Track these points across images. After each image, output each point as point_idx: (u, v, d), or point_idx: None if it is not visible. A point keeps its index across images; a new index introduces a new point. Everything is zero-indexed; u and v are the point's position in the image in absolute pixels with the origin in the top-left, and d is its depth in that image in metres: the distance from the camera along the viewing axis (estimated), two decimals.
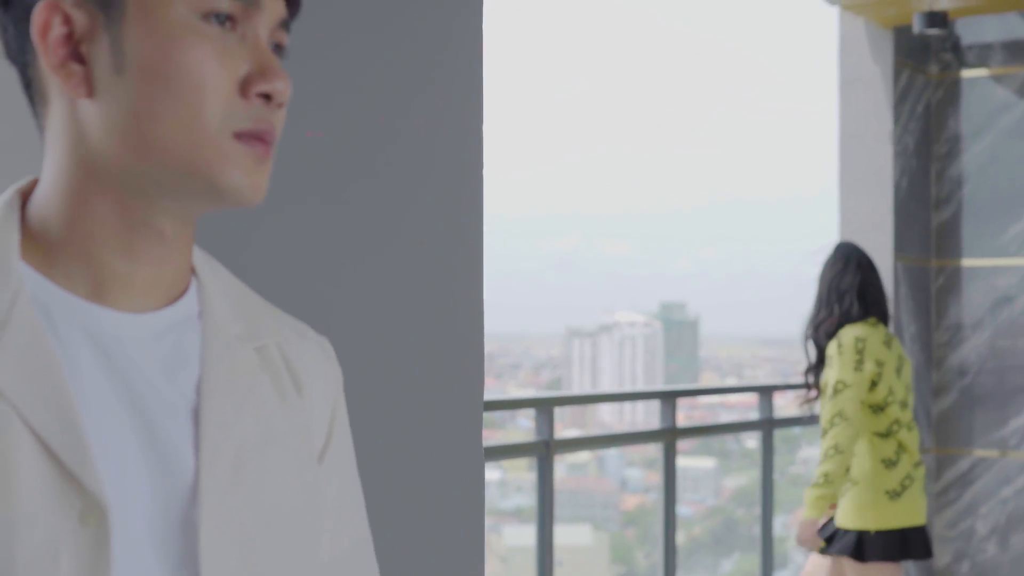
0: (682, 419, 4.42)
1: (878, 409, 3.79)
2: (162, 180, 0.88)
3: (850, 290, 3.84)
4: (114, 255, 0.90)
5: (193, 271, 0.98)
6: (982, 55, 5.41)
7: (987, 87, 5.40)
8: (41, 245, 0.91)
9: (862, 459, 3.79)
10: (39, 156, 0.94)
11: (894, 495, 3.78)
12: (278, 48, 0.93)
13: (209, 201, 0.90)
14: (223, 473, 0.90)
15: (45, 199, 0.92)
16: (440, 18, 1.61)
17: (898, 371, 3.84)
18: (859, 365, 3.72)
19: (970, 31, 5.42)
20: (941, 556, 5.41)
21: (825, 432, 3.74)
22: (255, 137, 0.89)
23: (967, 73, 5.45)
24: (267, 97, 0.89)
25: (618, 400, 5.05)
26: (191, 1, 0.86)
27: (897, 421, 3.79)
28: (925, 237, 5.48)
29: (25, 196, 0.95)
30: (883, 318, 3.88)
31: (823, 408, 3.79)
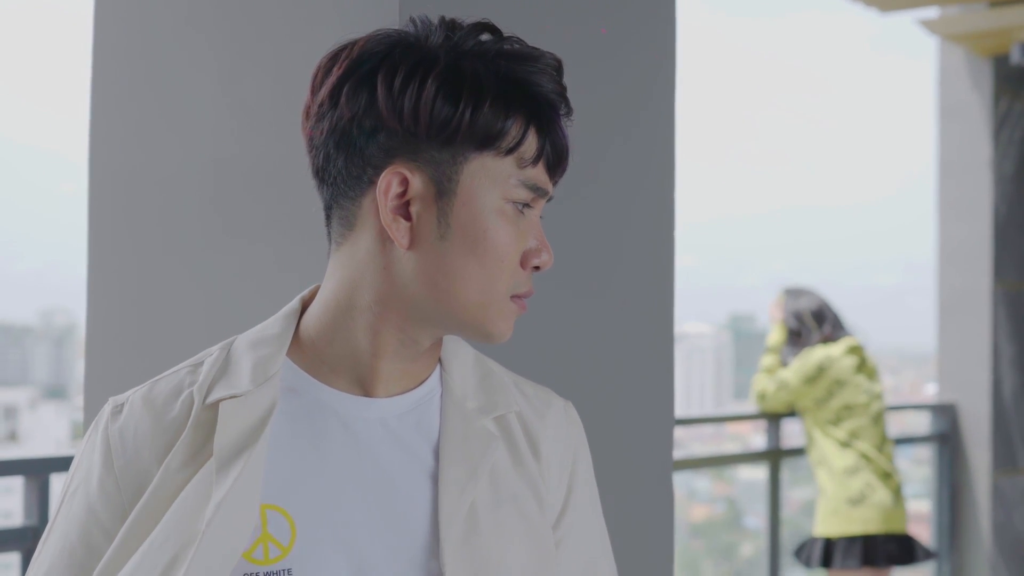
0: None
1: (831, 422, 4.16)
2: (446, 319, 1.09)
3: (826, 315, 4.28)
4: (380, 359, 1.11)
5: (439, 357, 1.18)
6: None
7: None
8: (310, 346, 1.12)
9: (827, 469, 4.14)
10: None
11: (853, 502, 4.06)
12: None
13: (472, 337, 1.11)
14: (459, 529, 1.07)
15: (324, 308, 1.12)
16: (635, 79, 1.81)
17: (869, 391, 4.19)
18: (813, 380, 4.14)
19: None
20: None
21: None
22: (523, 297, 1.11)
23: None
24: (536, 267, 1.11)
25: (723, 421, 5.19)
26: (503, 191, 1.07)
27: (855, 432, 4.12)
28: (1022, 261, 5.57)
29: (306, 304, 1.16)
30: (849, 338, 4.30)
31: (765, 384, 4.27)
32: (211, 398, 1.08)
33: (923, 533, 5.37)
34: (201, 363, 1.13)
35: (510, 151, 1.06)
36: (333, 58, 1.09)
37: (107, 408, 1.12)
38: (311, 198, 1.14)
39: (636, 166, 1.80)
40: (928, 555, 4.18)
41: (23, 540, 2.36)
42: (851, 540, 4.07)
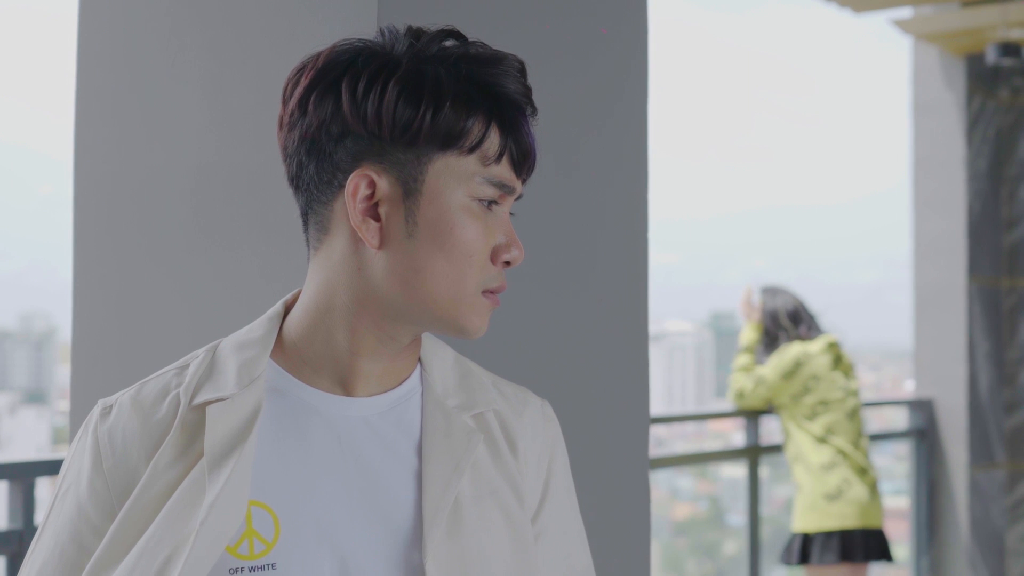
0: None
1: (807, 418, 4.21)
2: (420, 315, 1.12)
3: (801, 317, 4.35)
4: (359, 358, 1.14)
5: (419, 356, 1.21)
6: None
7: None
8: (293, 347, 1.15)
9: (804, 465, 4.19)
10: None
11: (830, 498, 4.11)
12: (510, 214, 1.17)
13: (447, 333, 1.14)
14: (443, 524, 1.11)
15: (304, 311, 1.15)
16: (607, 75, 1.83)
17: (845, 387, 4.24)
18: (790, 376, 4.21)
19: None
20: (1013, 568, 5.55)
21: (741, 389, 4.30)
22: (494, 292, 1.14)
23: None
24: (507, 263, 1.14)
25: (703, 419, 5.23)
26: (468, 189, 1.10)
27: (831, 428, 4.18)
28: (996, 257, 5.63)
29: (288, 307, 1.19)
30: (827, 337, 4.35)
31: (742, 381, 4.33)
32: (197, 400, 1.11)
33: (902, 528, 5.43)
34: (187, 365, 1.16)
35: (472, 149, 1.09)
36: (301, 69, 1.12)
37: (96, 410, 1.15)
38: (292, 204, 1.17)
39: (609, 163, 1.83)
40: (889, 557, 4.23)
41: (7, 544, 2.38)
42: (828, 535, 4.11)
